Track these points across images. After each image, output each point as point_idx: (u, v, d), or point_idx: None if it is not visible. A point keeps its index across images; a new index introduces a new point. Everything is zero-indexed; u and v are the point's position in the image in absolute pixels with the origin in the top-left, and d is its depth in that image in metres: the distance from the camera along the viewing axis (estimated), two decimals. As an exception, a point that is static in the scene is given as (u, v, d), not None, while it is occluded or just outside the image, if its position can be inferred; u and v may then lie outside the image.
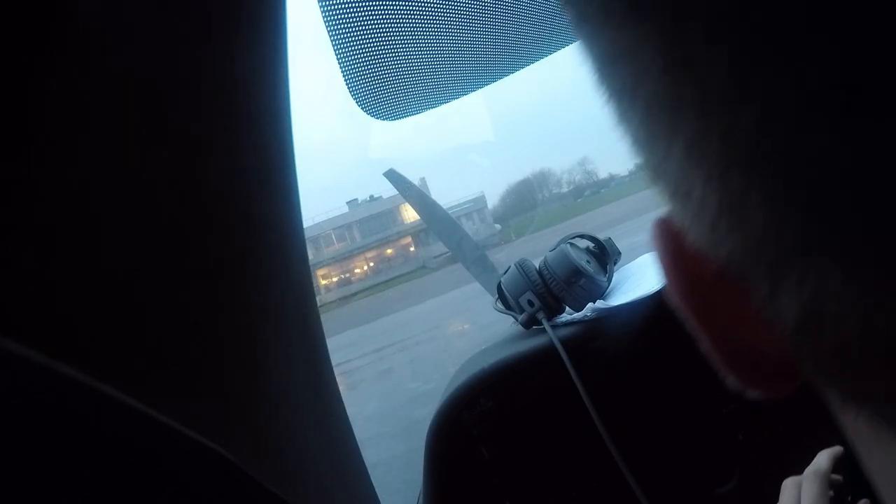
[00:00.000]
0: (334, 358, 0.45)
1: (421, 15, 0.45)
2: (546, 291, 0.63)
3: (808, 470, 0.43)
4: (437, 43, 0.49)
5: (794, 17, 0.10)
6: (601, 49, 0.14)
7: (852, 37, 0.10)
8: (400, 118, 0.56)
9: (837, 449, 0.44)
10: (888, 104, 0.09)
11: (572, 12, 0.14)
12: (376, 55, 0.46)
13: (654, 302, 0.59)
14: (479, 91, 0.62)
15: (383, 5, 0.42)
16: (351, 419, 0.47)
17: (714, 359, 0.15)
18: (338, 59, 0.44)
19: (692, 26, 0.11)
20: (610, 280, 0.67)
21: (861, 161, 0.10)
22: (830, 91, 0.10)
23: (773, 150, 0.11)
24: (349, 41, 0.43)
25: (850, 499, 0.43)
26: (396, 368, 5.64)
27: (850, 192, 0.10)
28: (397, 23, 0.44)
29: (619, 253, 0.71)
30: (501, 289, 0.67)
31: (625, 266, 0.74)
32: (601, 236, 0.71)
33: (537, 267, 0.65)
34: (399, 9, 0.43)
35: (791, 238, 0.11)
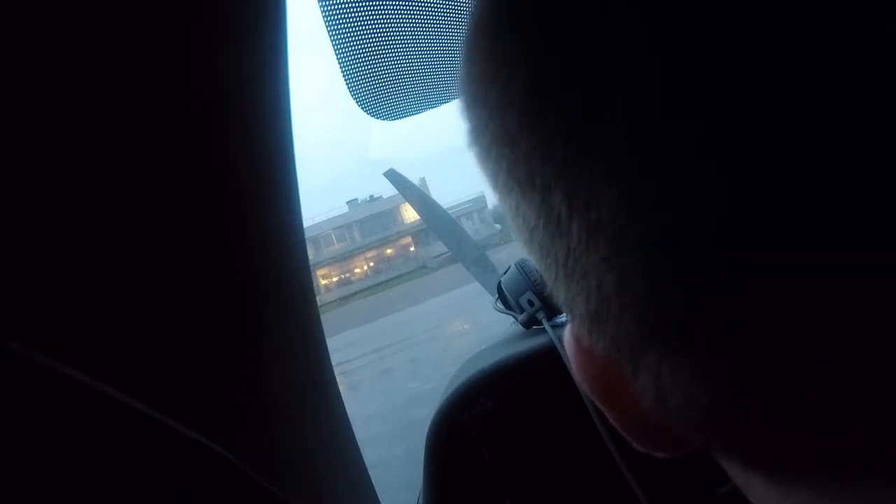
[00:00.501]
0: (334, 358, 0.45)
1: (421, 15, 0.45)
2: (546, 291, 0.63)
3: None
4: (437, 42, 0.49)
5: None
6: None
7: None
8: (400, 118, 0.56)
9: None
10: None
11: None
12: (376, 55, 0.46)
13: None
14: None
15: (383, 5, 0.42)
16: (351, 419, 0.47)
17: (618, 428, 0.18)
18: (338, 59, 0.44)
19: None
20: (610, 280, 0.67)
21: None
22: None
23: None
24: (349, 41, 0.43)
25: None
26: (396, 368, 5.64)
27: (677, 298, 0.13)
28: (397, 23, 0.44)
29: (619, 253, 0.71)
30: (501, 289, 0.67)
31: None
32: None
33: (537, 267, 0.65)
34: (399, 9, 0.43)
35: (635, 335, 0.14)
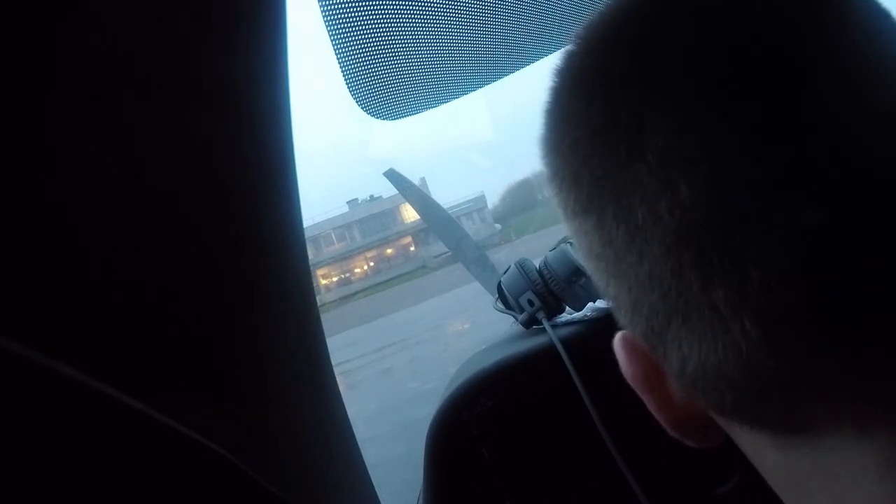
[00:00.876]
0: (334, 358, 0.45)
1: (421, 14, 0.45)
2: (546, 291, 0.63)
3: None
4: (436, 42, 0.49)
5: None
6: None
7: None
8: (400, 118, 0.56)
9: None
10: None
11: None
12: (376, 55, 0.46)
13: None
14: (479, 91, 0.62)
15: (383, 5, 0.42)
16: (351, 419, 0.47)
17: (656, 416, 0.22)
18: (338, 59, 0.44)
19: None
20: (610, 280, 0.67)
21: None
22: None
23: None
24: (349, 41, 0.43)
25: None
26: (396, 368, 5.64)
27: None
28: (397, 23, 0.44)
29: (620, 253, 0.70)
30: (501, 288, 0.67)
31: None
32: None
33: (537, 267, 0.65)
34: (399, 9, 0.43)
35: (661, 313, 0.18)
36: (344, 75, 0.46)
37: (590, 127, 0.19)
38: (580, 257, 0.65)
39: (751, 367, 0.16)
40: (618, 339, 0.22)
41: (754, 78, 0.16)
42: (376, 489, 0.48)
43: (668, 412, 0.21)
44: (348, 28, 0.42)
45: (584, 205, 0.20)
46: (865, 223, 0.15)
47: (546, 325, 0.61)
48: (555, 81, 0.21)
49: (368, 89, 0.49)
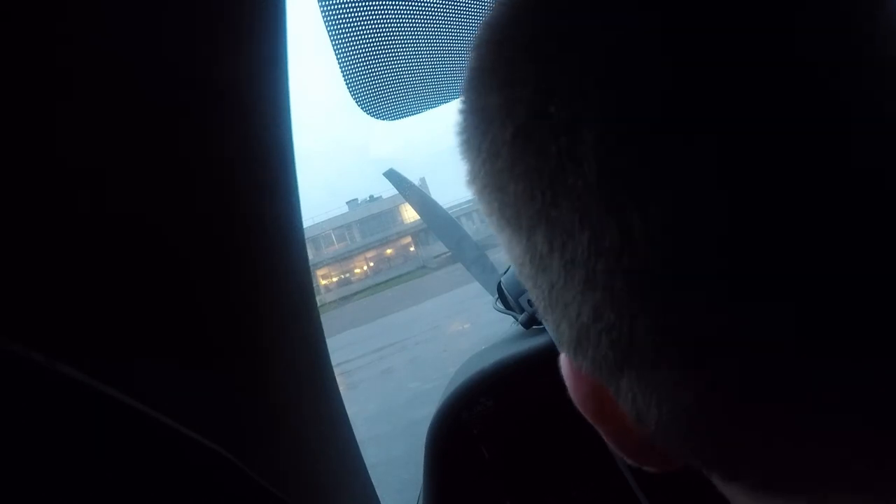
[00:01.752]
0: (334, 358, 0.45)
1: (421, 15, 0.45)
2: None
3: None
4: (437, 42, 0.49)
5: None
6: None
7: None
8: (400, 118, 0.56)
9: None
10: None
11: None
12: (376, 55, 0.46)
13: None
14: (479, 91, 0.62)
15: (383, 5, 0.42)
16: (351, 419, 0.47)
17: (610, 445, 0.19)
18: (338, 59, 0.44)
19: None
20: (610, 280, 0.67)
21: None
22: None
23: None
24: (349, 41, 0.43)
25: None
26: (396, 368, 5.64)
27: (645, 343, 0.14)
28: (397, 23, 0.44)
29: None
30: (501, 289, 0.67)
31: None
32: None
33: (537, 267, 0.65)
34: (399, 9, 0.43)
35: (612, 360, 0.15)
36: (344, 75, 0.46)
37: (512, 124, 0.15)
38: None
39: (716, 428, 0.14)
40: (564, 362, 0.19)
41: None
42: (376, 489, 0.48)
43: (625, 443, 0.19)
44: (348, 28, 0.42)
45: (509, 219, 0.17)
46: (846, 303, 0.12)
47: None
48: (472, 62, 0.17)
49: (368, 89, 0.49)
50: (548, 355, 0.59)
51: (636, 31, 0.14)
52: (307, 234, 0.43)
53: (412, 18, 0.45)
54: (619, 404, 0.16)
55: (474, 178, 0.18)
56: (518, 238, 0.17)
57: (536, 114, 0.15)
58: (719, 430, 0.14)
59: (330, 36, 0.42)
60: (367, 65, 0.46)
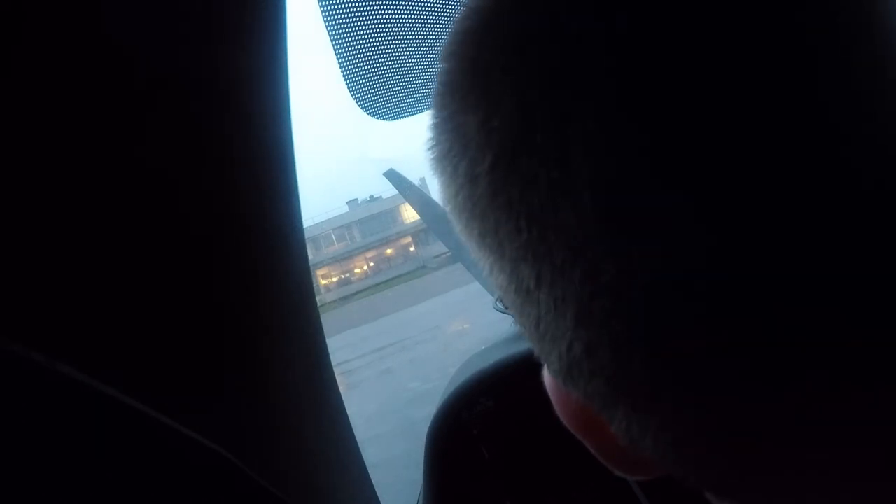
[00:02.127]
0: (334, 358, 0.45)
1: (421, 15, 0.45)
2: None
3: None
4: (437, 42, 0.49)
5: None
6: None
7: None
8: (400, 118, 0.56)
9: None
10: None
11: None
12: (376, 55, 0.46)
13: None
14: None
15: (383, 6, 0.42)
16: (351, 419, 0.47)
17: (598, 458, 0.19)
18: (338, 59, 0.44)
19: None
20: (610, 280, 0.67)
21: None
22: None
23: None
24: (349, 41, 0.43)
25: None
26: (396, 368, 5.64)
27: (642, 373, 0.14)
28: (397, 23, 0.44)
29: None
30: (501, 289, 0.67)
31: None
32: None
33: (537, 267, 0.65)
34: (399, 9, 0.43)
35: (605, 393, 0.15)
36: (344, 75, 0.46)
37: (492, 151, 0.14)
38: None
39: (713, 456, 0.14)
40: (546, 376, 0.19)
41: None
42: (376, 489, 0.48)
43: (612, 456, 0.18)
44: (348, 28, 0.42)
45: (490, 247, 0.15)
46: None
47: (546, 325, 0.61)
48: (443, 74, 0.16)
49: (368, 89, 0.49)
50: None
51: (634, 41, 0.12)
52: (307, 234, 0.43)
53: (412, 19, 0.45)
54: (610, 426, 0.16)
55: (450, 199, 0.16)
56: (501, 266, 0.15)
57: (520, 141, 0.13)
58: (716, 458, 0.14)
59: (330, 36, 0.42)
60: (367, 65, 0.46)
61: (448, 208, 0.17)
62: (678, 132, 0.12)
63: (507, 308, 0.19)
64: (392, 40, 0.45)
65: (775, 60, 0.12)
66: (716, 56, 0.12)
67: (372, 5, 0.42)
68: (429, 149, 0.17)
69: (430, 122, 0.17)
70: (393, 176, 0.77)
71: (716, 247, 0.12)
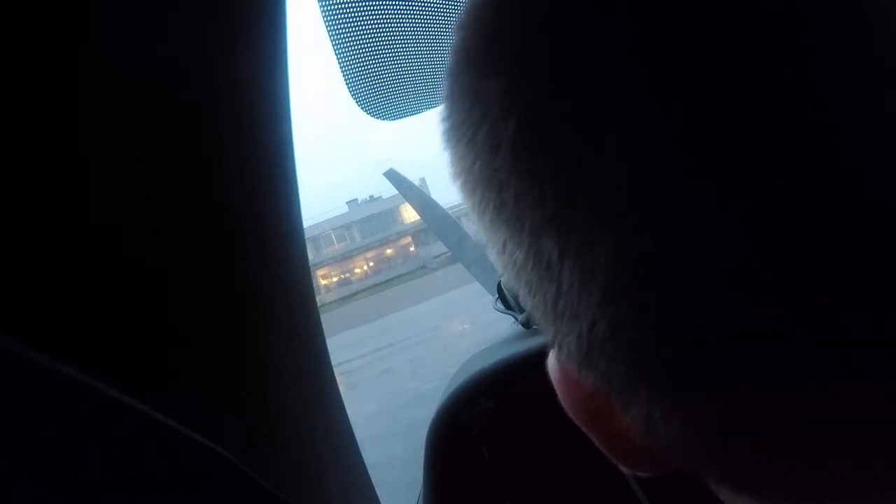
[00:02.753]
0: (334, 358, 0.45)
1: (421, 15, 0.45)
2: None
3: None
4: (437, 42, 0.49)
5: None
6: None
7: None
8: (400, 118, 0.56)
9: None
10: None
11: None
12: (376, 55, 0.46)
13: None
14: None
15: (383, 6, 0.42)
16: (351, 419, 0.47)
17: (603, 450, 0.18)
18: (338, 59, 0.44)
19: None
20: (610, 280, 0.67)
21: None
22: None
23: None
24: (349, 41, 0.43)
25: None
26: (396, 368, 5.64)
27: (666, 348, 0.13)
28: (397, 23, 0.44)
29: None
30: (501, 289, 0.67)
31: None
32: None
33: (537, 267, 0.65)
34: (399, 9, 0.43)
35: (626, 375, 0.14)
36: (344, 75, 0.46)
37: (516, 115, 0.13)
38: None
39: (739, 445, 0.13)
40: (553, 364, 0.18)
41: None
42: (376, 489, 0.48)
43: (618, 449, 0.17)
44: (348, 28, 0.42)
45: (507, 221, 0.15)
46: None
47: (546, 325, 0.61)
48: (462, 39, 0.15)
49: (368, 89, 0.49)
50: (548, 355, 0.59)
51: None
52: (307, 234, 0.43)
53: (412, 19, 0.45)
54: (623, 416, 0.15)
55: (464, 171, 0.16)
56: (517, 241, 0.15)
57: (548, 106, 0.13)
58: (741, 448, 0.14)
59: (330, 36, 0.42)
60: (367, 65, 0.46)
61: (459, 183, 0.16)
62: (721, 100, 0.11)
63: (517, 293, 0.17)
64: (392, 40, 0.45)
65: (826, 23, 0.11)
66: (761, 18, 0.11)
67: (372, 5, 0.42)
68: (442, 119, 0.16)
69: (446, 91, 0.16)
70: (393, 176, 0.77)
71: (763, 227, 0.11)
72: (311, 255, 0.76)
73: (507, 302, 0.66)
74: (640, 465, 0.18)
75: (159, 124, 0.26)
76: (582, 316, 0.14)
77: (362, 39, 0.44)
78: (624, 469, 0.18)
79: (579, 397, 0.17)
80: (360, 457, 0.47)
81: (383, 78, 0.49)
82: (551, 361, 0.18)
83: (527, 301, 0.16)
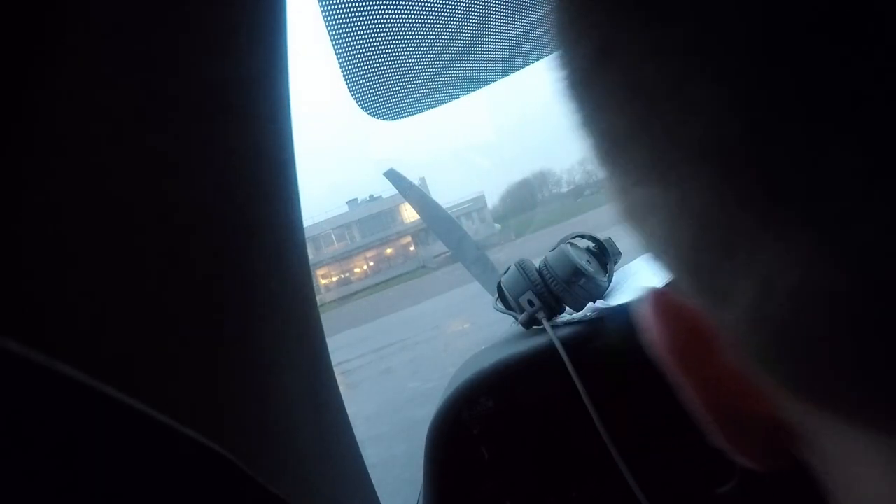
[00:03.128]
0: (334, 358, 0.45)
1: (421, 15, 0.45)
2: (546, 291, 0.63)
3: None
4: (437, 43, 0.49)
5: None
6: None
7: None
8: (400, 118, 0.56)
9: None
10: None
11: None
12: (376, 55, 0.46)
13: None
14: (479, 91, 0.62)
15: (383, 5, 0.42)
16: (351, 419, 0.47)
17: (701, 416, 0.16)
18: (338, 59, 0.44)
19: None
20: (610, 280, 0.67)
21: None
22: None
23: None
24: (349, 41, 0.43)
25: None
26: (396, 368, 5.64)
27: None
28: (397, 23, 0.44)
29: (620, 253, 0.71)
30: (501, 289, 0.67)
31: (625, 266, 0.74)
32: (601, 236, 0.71)
33: (537, 267, 0.65)
34: (399, 9, 0.43)
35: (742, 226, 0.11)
36: (344, 75, 0.46)
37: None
38: (578, 257, 0.65)
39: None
40: (651, 298, 0.16)
41: None
42: (376, 489, 0.48)
43: (716, 401, 0.15)
44: (348, 28, 0.42)
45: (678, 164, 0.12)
46: None
47: (546, 325, 0.61)
48: None
49: (368, 89, 0.49)
50: (548, 355, 0.59)
51: None
52: (307, 234, 0.43)
53: (412, 18, 0.45)
54: (722, 341, 0.13)
55: (626, 105, 0.13)
56: (701, 185, 0.12)
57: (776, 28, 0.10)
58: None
59: (330, 36, 0.42)
60: (367, 65, 0.46)
61: (621, 125, 0.14)
62: None
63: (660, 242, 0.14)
64: (392, 40, 0.46)
65: None
66: None
67: (372, 5, 0.42)
68: (576, 69, 0.14)
69: (570, 36, 0.14)
70: (393, 176, 0.77)
71: None
72: (311, 255, 0.76)
73: (507, 302, 0.66)
74: (741, 435, 0.16)
75: (159, 124, 0.26)
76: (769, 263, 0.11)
77: (362, 39, 0.44)
78: (726, 442, 0.16)
79: (675, 326, 0.15)
80: (360, 457, 0.47)
81: (383, 78, 0.49)
82: (650, 298, 0.16)
83: (660, 245, 0.14)
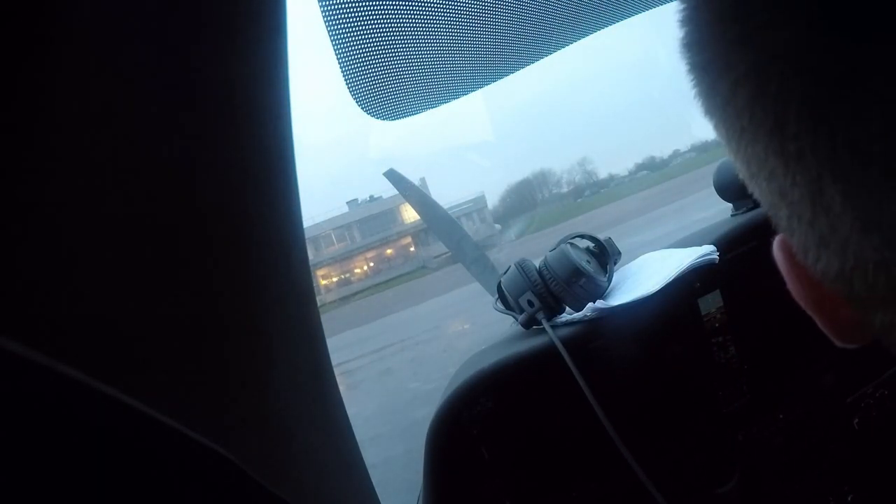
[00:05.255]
0: (334, 358, 0.45)
1: (421, 15, 0.45)
2: (546, 291, 0.63)
3: None
4: (437, 42, 0.49)
5: None
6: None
7: None
8: (400, 118, 0.56)
9: None
10: None
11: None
12: (376, 55, 0.46)
13: (654, 302, 0.59)
14: (479, 91, 0.62)
15: (383, 5, 0.42)
16: (351, 419, 0.47)
17: (817, 321, 0.22)
18: (338, 59, 0.44)
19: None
20: (610, 280, 0.67)
21: None
22: None
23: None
24: (349, 41, 0.43)
25: None
26: (396, 368, 5.64)
27: None
28: (397, 23, 0.44)
29: (619, 253, 0.71)
30: (501, 289, 0.67)
31: (625, 266, 0.74)
32: (601, 236, 0.71)
33: (537, 267, 0.65)
34: (399, 9, 0.43)
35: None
36: (344, 75, 0.46)
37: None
38: (579, 257, 0.65)
39: None
40: (776, 245, 0.22)
41: None
42: (376, 489, 0.48)
43: (817, 308, 0.21)
44: (348, 28, 0.42)
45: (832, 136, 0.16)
46: None
47: (546, 325, 0.61)
48: None
49: (368, 89, 0.49)
50: (548, 355, 0.59)
51: None
52: (307, 234, 0.43)
53: (412, 18, 0.45)
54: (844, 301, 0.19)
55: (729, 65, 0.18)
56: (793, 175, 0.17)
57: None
58: None
59: (330, 36, 0.42)
60: (367, 65, 0.46)
61: (779, 102, 0.17)
62: None
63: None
64: (392, 40, 0.46)
65: None
66: None
67: (372, 5, 0.42)
68: (724, 54, 0.18)
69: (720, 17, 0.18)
70: (393, 176, 0.77)
71: None
72: (311, 255, 0.76)
73: (507, 302, 0.66)
74: (853, 338, 0.22)
75: (159, 124, 0.26)
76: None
77: (362, 39, 0.44)
78: (830, 333, 0.22)
79: (797, 275, 0.21)
80: (360, 457, 0.47)
81: (383, 78, 0.49)
82: (777, 241, 0.22)
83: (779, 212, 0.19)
